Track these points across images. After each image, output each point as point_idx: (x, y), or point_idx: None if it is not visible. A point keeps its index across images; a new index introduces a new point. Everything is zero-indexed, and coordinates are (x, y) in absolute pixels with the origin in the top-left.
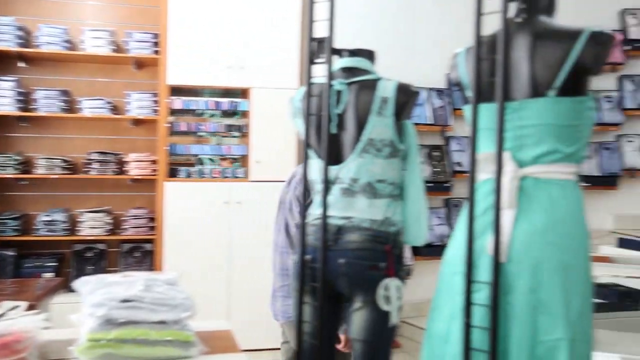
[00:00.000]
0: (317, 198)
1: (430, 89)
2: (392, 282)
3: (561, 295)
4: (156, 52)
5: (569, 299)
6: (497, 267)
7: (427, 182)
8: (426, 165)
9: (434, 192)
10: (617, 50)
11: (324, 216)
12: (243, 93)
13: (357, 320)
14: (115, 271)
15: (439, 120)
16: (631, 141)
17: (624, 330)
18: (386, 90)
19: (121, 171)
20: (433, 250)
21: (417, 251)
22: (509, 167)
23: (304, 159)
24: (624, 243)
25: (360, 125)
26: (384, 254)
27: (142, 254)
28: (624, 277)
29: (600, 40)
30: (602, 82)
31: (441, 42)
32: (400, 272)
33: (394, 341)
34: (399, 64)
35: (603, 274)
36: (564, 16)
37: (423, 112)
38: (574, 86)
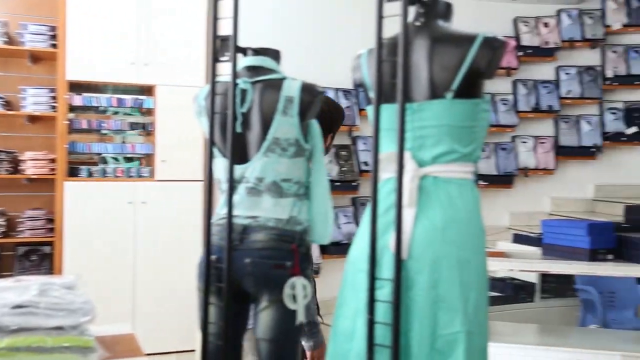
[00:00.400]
0: (222, 197)
1: (337, 89)
2: (298, 281)
3: (459, 290)
4: (54, 45)
5: (467, 293)
6: (399, 264)
7: (335, 181)
8: (334, 165)
9: (341, 191)
10: (511, 56)
11: (229, 215)
12: (148, 90)
13: (263, 320)
14: (9, 276)
15: (346, 120)
16: (525, 142)
17: (520, 321)
18: (291, 90)
19: (16, 170)
20: (341, 249)
21: (325, 250)
22: (409, 166)
23: (208, 158)
24: (519, 239)
25: (266, 124)
26: (290, 252)
27: (39, 257)
28: (518, 271)
29: (492, 46)
30: (498, 86)
31: (348, 43)
32: (307, 270)
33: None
34: (306, 64)
35: (500, 269)
36: (463, 22)
37: None
38: (470, 89)
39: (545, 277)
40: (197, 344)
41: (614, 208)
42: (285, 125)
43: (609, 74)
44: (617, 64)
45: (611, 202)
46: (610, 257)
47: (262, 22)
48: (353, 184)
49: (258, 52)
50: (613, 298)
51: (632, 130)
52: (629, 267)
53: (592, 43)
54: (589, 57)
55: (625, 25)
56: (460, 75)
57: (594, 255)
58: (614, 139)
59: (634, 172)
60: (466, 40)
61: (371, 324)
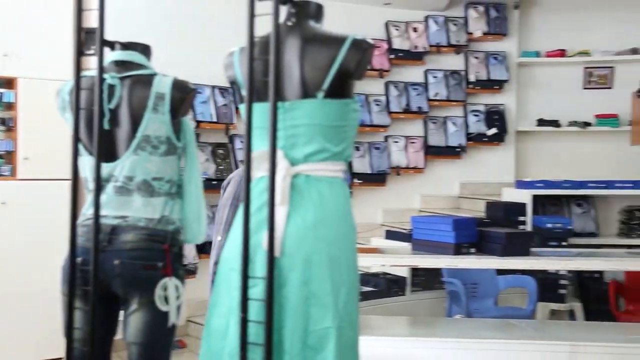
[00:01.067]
0: (89, 197)
1: (214, 86)
2: (170, 282)
3: (330, 286)
4: None
5: (337, 289)
6: (272, 261)
7: (212, 179)
8: (210, 163)
9: (218, 190)
10: (383, 58)
11: (96, 216)
12: (8, 83)
13: (133, 323)
14: None
15: (222, 118)
16: (397, 142)
17: (393, 314)
18: (162, 87)
19: None
20: None
21: (202, 249)
22: (281, 165)
23: (73, 156)
24: (391, 235)
25: (135, 121)
26: (161, 253)
27: None
28: (390, 266)
29: (361, 47)
30: (372, 87)
31: (224, 40)
32: (180, 271)
33: (180, 341)
34: (181, 60)
35: (373, 264)
36: (337, 25)
37: (207, 110)
38: (340, 89)
39: (415, 271)
40: (62, 351)
41: (477, 204)
42: (155, 123)
43: (472, 78)
44: (478, 69)
45: (474, 199)
46: (472, 250)
47: (133, 16)
48: None
49: (126, 46)
50: (476, 289)
51: (492, 131)
52: (489, 259)
53: (457, 49)
54: (454, 62)
55: (485, 33)
56: (330, 75)
57: (459, 249)
58: (477, 139)
59: (494, 170)
60: (336, 41)
61: (244, 322)
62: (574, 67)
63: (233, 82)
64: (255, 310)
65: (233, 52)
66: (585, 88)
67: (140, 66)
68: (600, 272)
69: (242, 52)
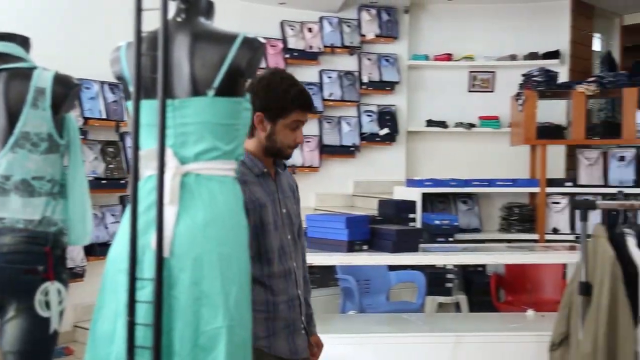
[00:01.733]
0: None
1: (103, 82)
2: (52, 286)
3: (221, 285)
4: None
5: (228, 288)
6: (160, 262)
7: (101, 179)
8: (100, 162)
9: (108, 189)
10: (279, 58)
11: None
12: None
13: (10, 331)
14: None
15: (112, 115)
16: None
17: None
18: (42, 81)
19: None
20: (108, 250)
21: (90, 251)
22: (171, 163)
23: None
24: None
25: (12, 117)
26: (42, 256)
27: None
28: None
29: (253, 46)
30: None
31: (114, 34)
32: (63, 275)
33: (66, 348)
34: (67, 54)
35: None
36: (232, 23)
37: (96, 106)
38: (232, 87)
39: (310, 268)
40: None
41: (370, 202)
42: (35, 119)
43: (365, 79)
44: (371, 70)
45: (368, 197)
46: (365, 247)
47: (13, 6)
48: (121, 181)
49: (3, 37)
50: (368, 285)
51: (384, 131)
52: (380, 255)
53: (350, 50)
54: (348, 63)
55: (377, 36)
56: (221, 73)
57: (352, 247)
58: (370, 139)
59: (387, 169)
60: (227, 39)
61: (131, 325)
62: (460, 71)
63: (120, 78)
64: (143, 313)
65: (120, 47)
66: (470, 91)
67: (18, 59)
68: (483, 266)
69: (129, 47)
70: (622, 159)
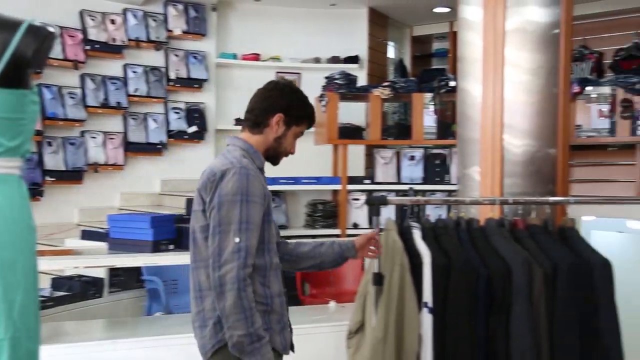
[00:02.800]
0: None
1: None
2: None
3: (2, 293)
4: None
5: (11, 296)
6: None
7: None
8: None
9: None
10: (78, 49)
11: None
12: None
13: None
14: None
15: None
16: (94, 137)
17: (90, 318)
18: None
19: None
20: None
21: None
22: None
23: None
24: (87, 235)
25: None
26: None
27: None
28: (84, 268)
29: (39, 34)
30: (66, 79)
31: None
32: None
33: None
34: None
35: (66, 267)
36: (20, 8)
37: None
38: (16, 78)
39: (114, 271)
40: None
41: (178, 201)
42: None
43: (172, 75)
44: (179, 67)
45: (176, 196)
46: (171, 247)
47: None
48: None
49: None
50: (176, 285)
51: (193, 129)
52: (188, 255)
53: (157, 45)
54: (154, 58)
55: (185, 32)
56: (3, 62)
57: (157, 247)
58: (178, 136)
59: (195, 167)
60: (10, 25)
61: None
62: (267, 71)
63: None
64: None
65: None
66: None
67: None
68: None
69: None
70: (412, 158)
